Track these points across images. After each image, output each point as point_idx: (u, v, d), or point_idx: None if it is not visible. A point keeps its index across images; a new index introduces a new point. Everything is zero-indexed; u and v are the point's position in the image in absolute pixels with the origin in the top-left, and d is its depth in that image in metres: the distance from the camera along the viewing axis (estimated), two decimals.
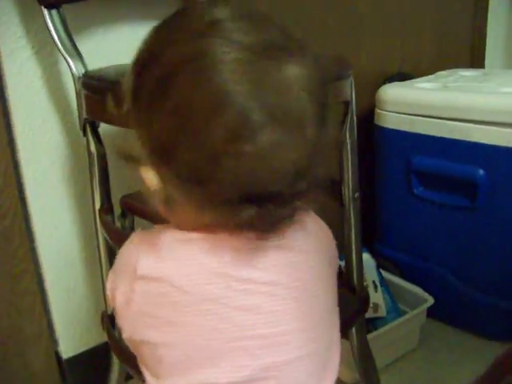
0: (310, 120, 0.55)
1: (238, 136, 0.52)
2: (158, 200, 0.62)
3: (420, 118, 1.49)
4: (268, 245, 0.61)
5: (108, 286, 0.66)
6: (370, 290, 1.51)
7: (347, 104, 1.05)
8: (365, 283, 1.51)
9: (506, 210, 1.42)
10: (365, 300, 1.17)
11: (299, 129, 0.55)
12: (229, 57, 0.52)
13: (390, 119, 1.58)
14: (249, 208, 0.55)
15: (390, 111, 1.58)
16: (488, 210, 1.43)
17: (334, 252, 0.73)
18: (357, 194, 1.09)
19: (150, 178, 0.59)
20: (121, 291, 0.63)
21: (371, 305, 1.48)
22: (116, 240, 1.09)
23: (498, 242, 1.45)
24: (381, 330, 1.42)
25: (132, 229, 1.14)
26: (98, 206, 1.12)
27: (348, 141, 1.05)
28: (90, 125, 1.08)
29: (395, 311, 1.53)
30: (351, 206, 1.10)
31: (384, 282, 1.58)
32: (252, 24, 0.57)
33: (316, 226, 0.70)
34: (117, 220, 1.14)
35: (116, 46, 1.26)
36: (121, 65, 1.14)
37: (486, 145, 1.38)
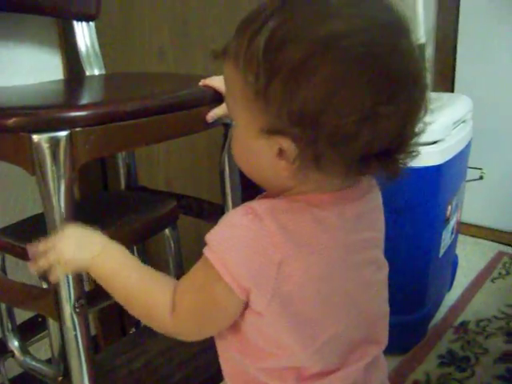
0: None
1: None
2: (287, 172, 0.62)
3: None
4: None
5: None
6: None
7: (227, 126, 1.02)
8: None
9: (401, 229, 1.44)
10: None
11: None
12: None
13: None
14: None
15: None
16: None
17: None
18: None
19: (287, 148, 0.59)
20: None
21: None
22: None
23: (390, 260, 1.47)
24: None
25: (3, 267, 1.05)
26: None
27: (227, 164, 1.02)
28: None
29: None
30: None
31: None
32: None
33: None
34: None
35: None
36: None
37: None
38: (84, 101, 0.96)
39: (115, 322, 1.53)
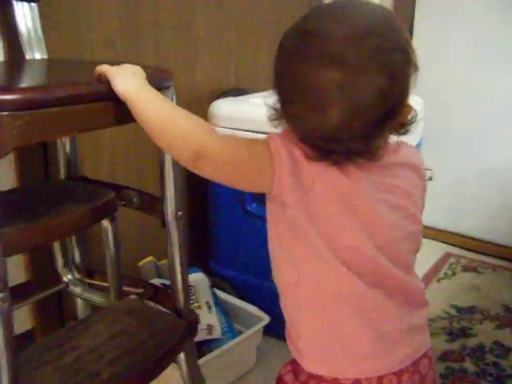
0: None
1: None
2: None
3: (252, 133, 1.46)
4: None
5: None
6: (204, 310, 1.46)
7: None
8: (198, 304, 1.47)
9: None
10: (192, 324, 1.11)
11: None
12: None
13: None
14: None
15: (221, 126, 1.54)
16: None
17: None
18: (180, 213, 1.03)
19: None
20: None
21: (205, 326, 1.43)
22: None
23: None
24: (215, 353, 1.37)
25: None
26: None
27: (166, 156, 0.99)
28: None
29: (231, 332, 1.49)
30: (174, 226, 1.04)
31: (218, 302, 1.54)
32: None
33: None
34: None
35: None
36: None
37: None
38: (14, 84, 0.92)
39: (53, 314, 1.49)
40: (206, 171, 0.78)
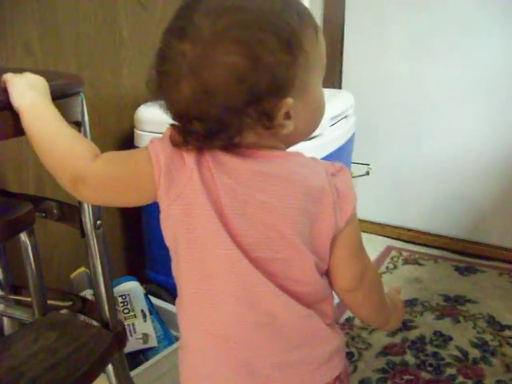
0: None
1: None
2: None
3: None
4: None
5: None
6: (139, 319, 1.43)
7: (79, 125, 0.96)
8: (133, 313, 1.44)
9: None
10: (120, 335, 1.08)
11: None
12: None
13: (147, 140, 1.51)
14: None
15: (147, 131, 1.52)
16: None
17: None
18: (99, 222, 1.00)
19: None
20: None
21: (140, 335, 1.40)
22: None
23: None
24: (149, 362, 1.34)
25: None
26: None
27: None
28: None
29: (167, 339, 1.46)
30: (93, 235, 1.00)
31: (154, 310, 1.51)
32: None
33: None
34: None
35: None
36: None
37: None
38: None
39: None
40: (87, 196, 0.78)
